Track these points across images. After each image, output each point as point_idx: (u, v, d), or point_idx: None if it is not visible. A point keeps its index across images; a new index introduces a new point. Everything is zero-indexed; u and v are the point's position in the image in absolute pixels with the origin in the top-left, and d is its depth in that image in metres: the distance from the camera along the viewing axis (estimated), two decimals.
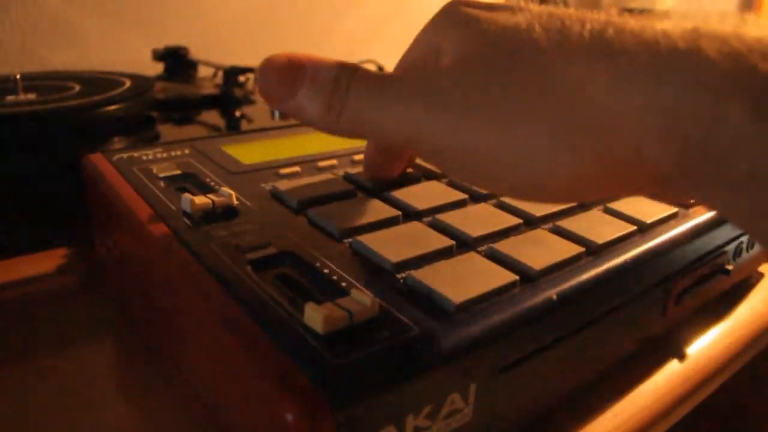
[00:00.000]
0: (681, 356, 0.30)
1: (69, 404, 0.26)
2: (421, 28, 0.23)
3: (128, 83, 0.51)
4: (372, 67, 0.77)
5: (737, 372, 0.32)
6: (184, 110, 0.53)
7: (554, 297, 0.22)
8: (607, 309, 0.24)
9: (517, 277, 0.22)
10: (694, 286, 0.30)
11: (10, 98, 0.47)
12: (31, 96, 0.47)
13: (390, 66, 0.77)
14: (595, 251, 0.25)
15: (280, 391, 0.16)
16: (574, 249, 0.24)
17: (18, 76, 0.50)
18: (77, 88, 0.50)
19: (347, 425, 0.16)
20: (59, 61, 0.67)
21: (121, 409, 0.26)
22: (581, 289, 0.23)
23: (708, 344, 0.31)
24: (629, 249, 0.25)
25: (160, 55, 0.63)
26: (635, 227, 0.27)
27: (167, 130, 0.48)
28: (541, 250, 0.24)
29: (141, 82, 0.51)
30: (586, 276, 0.23)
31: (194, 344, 0.23)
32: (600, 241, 0.25)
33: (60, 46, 0.67)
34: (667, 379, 0.29)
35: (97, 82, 0.52)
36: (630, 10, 0.77)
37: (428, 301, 0.20)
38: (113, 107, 0.44)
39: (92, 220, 0.34)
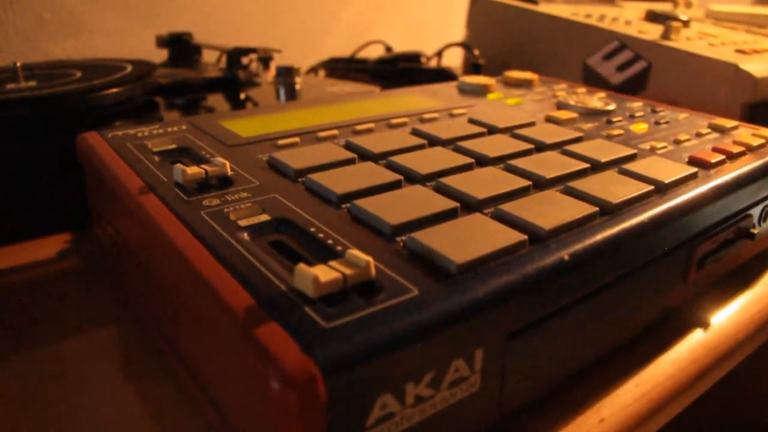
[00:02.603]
0: (705, 325, 0.28)
1: (68, 389, 0.25)
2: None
3: (129, 68, 0.50)
4: (380, 49, 0.75)
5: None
6: (188, 94, 0.52)
7: (566, 257, 0.20)
8: (624, 272, 0.23)
9: (525, 237, 0.20)
10: (717, 250, 0.28)
11: (11, 86, 0.46)
12: (32, 83, 0.47)
13: (398, 46, 0.76)
14: (609, 211, 0.23)
15: (266, 358, 0.15)
16: (588, 209, 0.23)
17: (18, 64, 0.49)
18: (79, 74, 0.49)
19: (340, 393, 0.15)
20: (63, 52, 0.66)
21: (122, 393, 0.25)
22: (595, 250, 0.21)
23: (734, 313, 0.30)
24: (646, 209, 0.24)
25: (164, 42, 0.62)
26: (652, 187, 0.25)
27: (172, 116, 0.47)
28: (551, 210, 0.22)
29: (142, 67, 0.51)
30: (600, 236, 0.22)
31: (184, 316, 0.21)
32: (615, 200, 0.23)
33: (64, 37, 0.66)
34: (690, 348, 0.27)
35: (99, 68, 0.51)
36: None
37: (429, 263, 0.19)
38: (113, 90, 0.43)
39: (89, 200, 0.33)
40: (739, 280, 0.32)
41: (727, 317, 0.29)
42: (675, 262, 0.26)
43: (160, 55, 0.63)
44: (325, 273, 0.17)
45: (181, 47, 0.62)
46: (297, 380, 0.14)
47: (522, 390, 0.21)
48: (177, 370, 0.24)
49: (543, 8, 0.61)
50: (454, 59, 0.78)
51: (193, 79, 0.54)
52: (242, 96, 0.51)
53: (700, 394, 0.27)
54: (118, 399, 0.24)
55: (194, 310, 0.20)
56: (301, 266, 0.17)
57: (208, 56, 0.64)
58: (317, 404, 0.15)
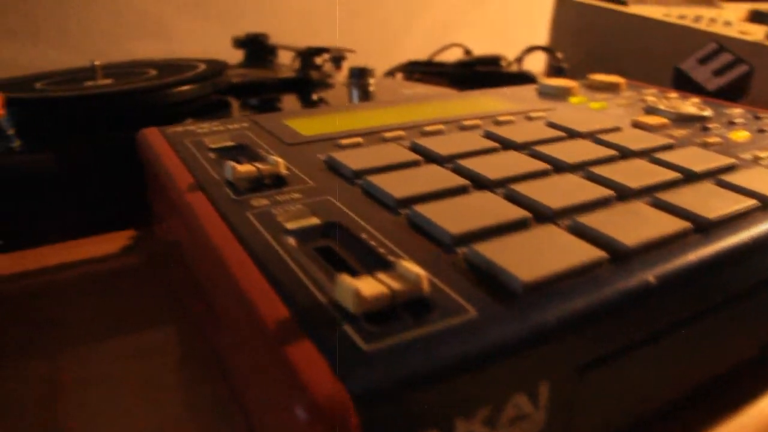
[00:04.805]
0: None
1: (116, 388, 0.24)
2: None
3: (203, 67, 0.50)
4: (459, 52, 0.73)
5: None
6: (261, 94, 0.52)
7: (652, 280, 0.17)
8: (720, 300, 0.20)
9: (605, 254, 0.18)
10: None
11: (88, 83, 0.46)
12: (108, 81, 0.47)
13: (478, 49, 0.73)
14: (704, 228, 0.20)
15: (294, 380, 0.13)
16: (679, 224, 0.20)
17: (96, 63, 0.50)
18: (154, 72, 0.49)
19: (376, 427, 0.13)
20: (144, 52, 0.67)
21: (167, 394, 0.24)
22: (687, 273, 0.18)
23: None
24: (748, 227, 0.21)
25: (240, 43, 0.62)
26: (756, 202, 0.22)
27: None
28: (636, 225, 0.20)
29: (214, 65, 0.50)
30: (693, 257, 0.19)
31: (223, 320, 0.20)
32: (711, 216, 0.20)
33: (145, 38, 0.67)
34: None
35: (174, 67, 0.51)
36: None
37: (491, 279, 0.17)
38: (183, 88, 0.43)
39: (149, 197, 0.33)
40: None
41: None
42: None
43: (237, 56, 0.62)
44: (371, 287, 0.15)
45: (256, 48, 0.61)
46: (325, 410, 0.12)
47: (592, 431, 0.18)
48: (216, 374, 0.23)
49: (633, 9, 0.57)
50: (536, 63, 0.75)
51: (265, 79, 0.53)
52: (315, 97, 0.50)
53: None
54: (162, 399, 0.23)
55: (230, 315, 0.19)
56: (344, 277, 0.15)
57: (285, 58, 0.63)
58: None
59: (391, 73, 0.68)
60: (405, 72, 0.68)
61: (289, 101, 0.50)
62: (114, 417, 0.23)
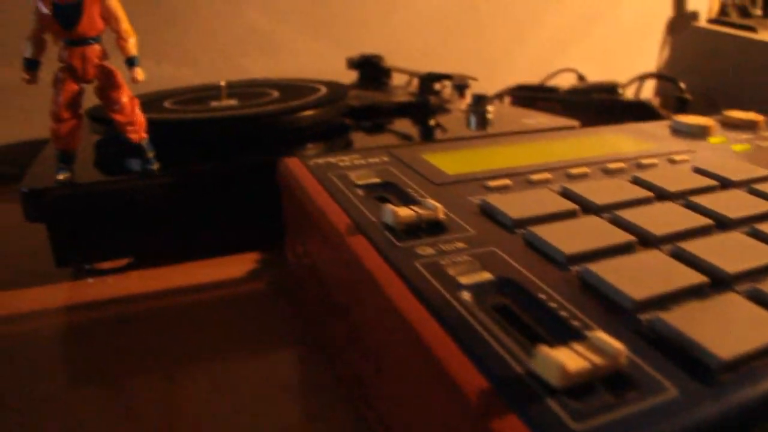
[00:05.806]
0: None
1: (236, 409, 0.25)
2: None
3: (324, 90, 0.51)
4: (571, 77, 0.72)
5: None
6: (377, 118, 0.52)
7: None
8: None
9: None
10: None
11: (214, 104, 0.48)
12: (233, 102, 0.48)
13: (591, 75, 0.72)
14: None
15: None
16: None
17: (223, 83, 0.52)
18: (275, 94, 0.51)
19: None
20: (256, 69, 0.69)
21: (291, 421, 0.24)
22: None
23: None
24: None
25: (355, 63, 0.63)
26: None
27: (360, 138, 0.47)
28: None
29: (336, 89, 0.51)
30: None
31: (388, 370, 0.20)
32: None
33: (259, 56, 0.69)
34: None
35: (294, 88, 0.52)
36: None
37: (684, 354, 0.16)
38: (308, 113, 0.44)
39: (285, 225, 0.34)
40: None
41: None
42: None
43: (349, 76, 0.63)
44: (573, 360, 0.15)
45: (371, 69, 0.62)
46: None
47: None
48: (366, 416, 0.23)
49: (764, 36, 0.55)
50: (645, 90, 0.73)
51: (384, 103, 0.53)
52: (432, 122, 0.50)
53: None
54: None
55: (404, 371, 0.19)
56: (544, 349, 0.15)
57: (397, 79, 0.64)
58: None
59: (499, 97, 0.68)
60: (514, 96, 0.68)
61: (403, 125, 0.50)
62: None
